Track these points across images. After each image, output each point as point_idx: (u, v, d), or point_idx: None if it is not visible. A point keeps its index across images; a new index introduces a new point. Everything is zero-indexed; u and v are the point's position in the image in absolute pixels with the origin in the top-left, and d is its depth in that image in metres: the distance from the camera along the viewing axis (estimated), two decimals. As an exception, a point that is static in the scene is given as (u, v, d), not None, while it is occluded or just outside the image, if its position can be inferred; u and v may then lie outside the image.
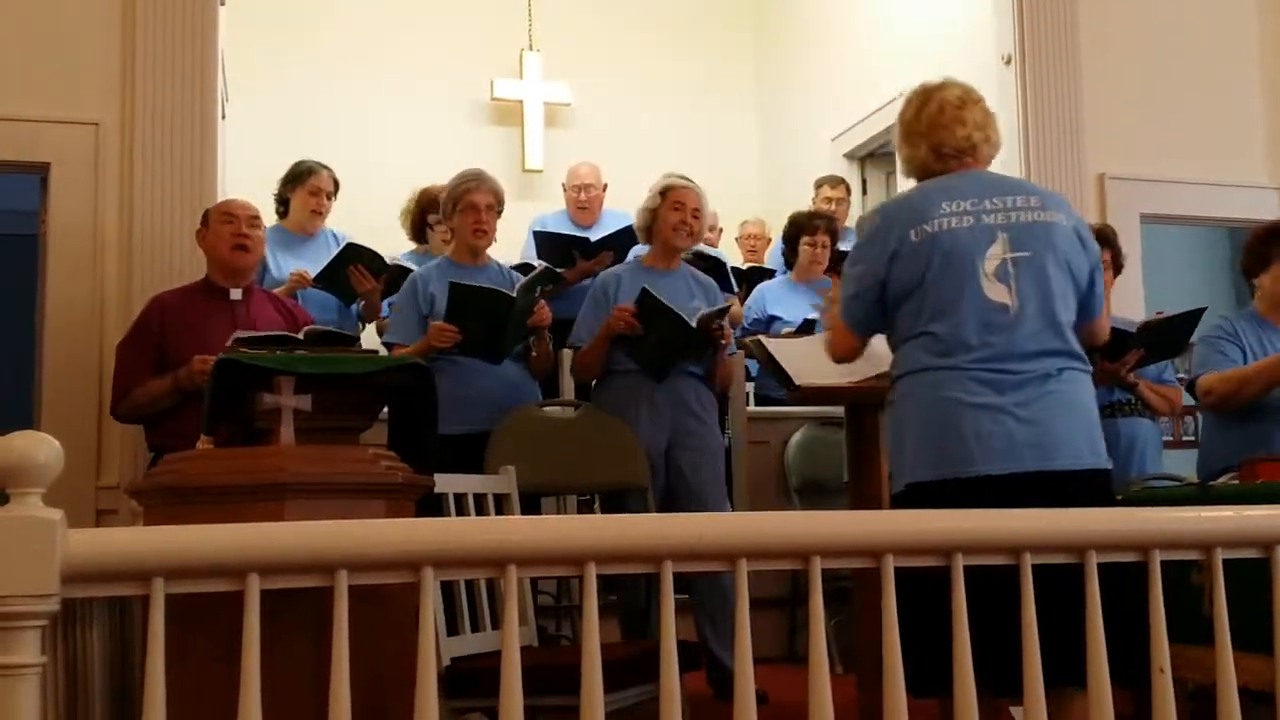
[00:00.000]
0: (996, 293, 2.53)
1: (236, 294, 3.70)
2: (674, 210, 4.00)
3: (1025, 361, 2.51)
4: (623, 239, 5.09)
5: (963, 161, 2.69)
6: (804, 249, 5.27)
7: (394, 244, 5.29)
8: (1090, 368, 2.64)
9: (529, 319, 3.92)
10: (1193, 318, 3.84)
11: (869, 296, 2.66)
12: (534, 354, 4.01)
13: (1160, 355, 3.94)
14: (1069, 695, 2.25)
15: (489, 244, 4.08)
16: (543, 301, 3.97)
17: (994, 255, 2.54)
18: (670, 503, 3.87)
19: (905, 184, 6.60)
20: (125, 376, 3.62)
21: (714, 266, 4.91)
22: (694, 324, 3.80)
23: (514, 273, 4.22)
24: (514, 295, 3.78)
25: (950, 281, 2.54)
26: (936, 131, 2.69)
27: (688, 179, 4.14)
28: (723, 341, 3.92)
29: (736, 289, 5.46)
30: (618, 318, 3.83)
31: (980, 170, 2.70)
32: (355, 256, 4.56)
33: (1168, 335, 3.88)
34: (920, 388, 2.57)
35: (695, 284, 4.08)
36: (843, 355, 2.83)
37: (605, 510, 4.09)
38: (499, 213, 4.10)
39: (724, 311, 3.97)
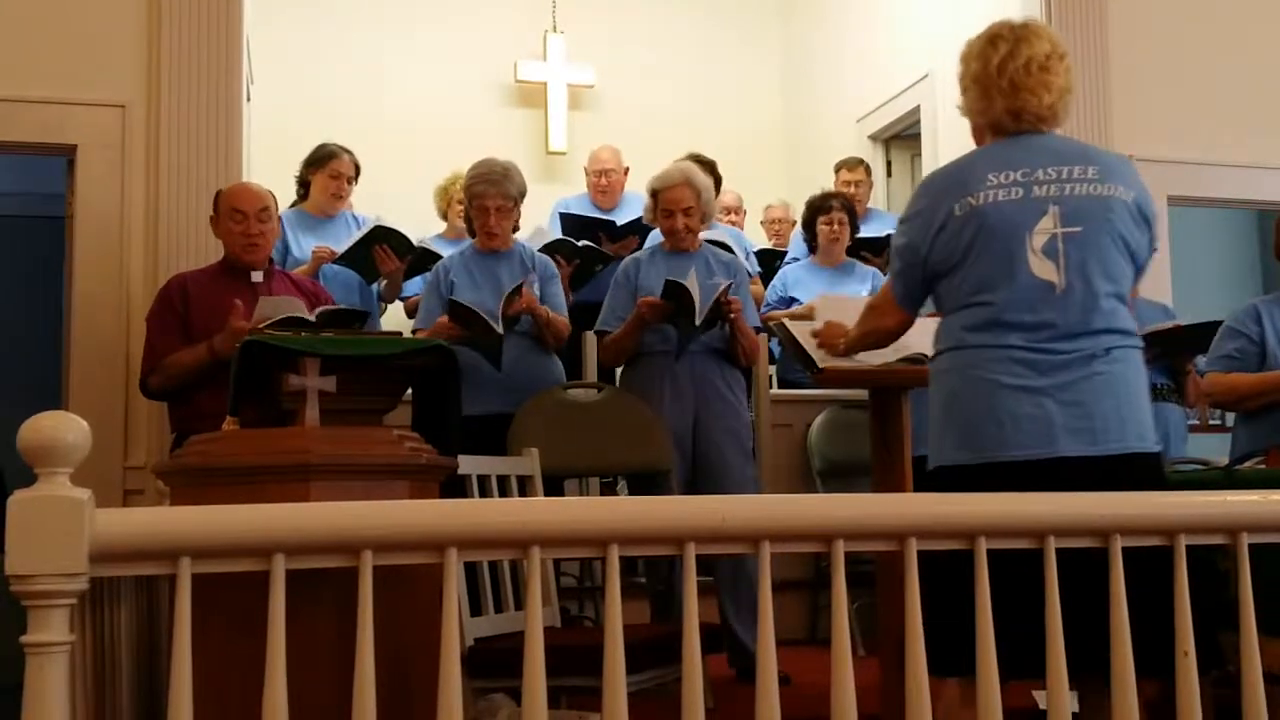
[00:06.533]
0: (1043, 270, 2.40)
1: (257, 275, 3.72)
2: (665, 217, 4.03)
3: (1071, 341, 2.39)
4: (647, 224, 5.09)
5: (1036, 127, 2.50)
6: (821, 229, 5.24)
7: (418, 225, 5.30)
8: (1141, 343, 2.52)
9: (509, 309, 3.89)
10: (1210, 329, 3.85)
11: (913, 272, 2.55)
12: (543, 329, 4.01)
13: (1178, 356, 3.96)
14: (1096, 683, 2.24)
15: (501, 243, 4.08)
16: (525, 290, 3.92)
17: (1043, 230, 2.41)
18: (695, 483, 3.87)
19: (931, 167, 6.57)
20: (156, 347, 3.62)
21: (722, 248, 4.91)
22: (700, 319, 3.80)
23: (539, 255, 4.23)
24: (501, 332, 3.81)
25: (995, 257, 2.42)
26: (1019, 94, 2.47)
27: (679, 169, 4.11)
28: (732, 315, 3.89)
29: (758, 270, 5.46)
30: (649, 309, 3.84)
31: (1042, 135, 2.52)
32: (383, 237, 4.59)
33: (1184, 341, 3.91)
34: (958, 366, 2.46)
35: (717, 263, 4.08)
36: (893, 328, 2.71)
37: (633, 494, 4.09)
38: (516, 207, 4.10)
39: (724, 288, 3.93)
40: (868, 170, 6.11)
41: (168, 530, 1.60)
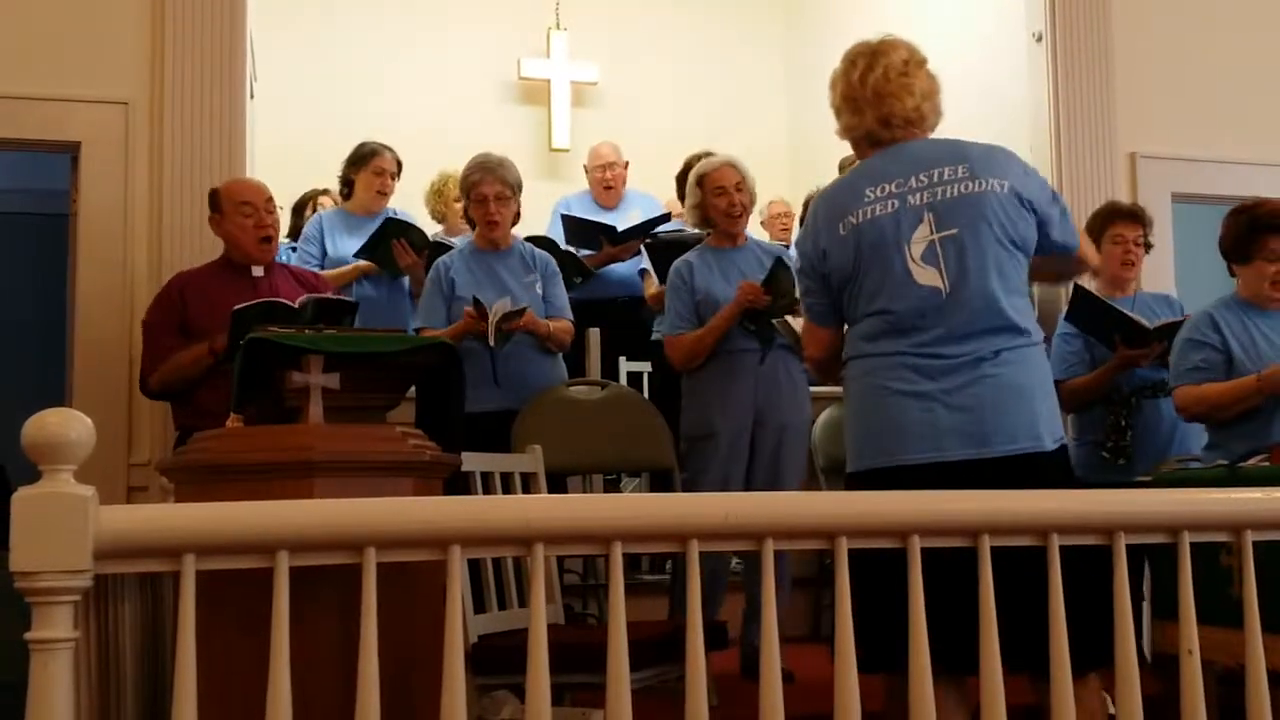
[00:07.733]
0: (926, 276, 2.43)
1: (258, 271, 3.71)
2: (718, 196, 3.96)
3: (959, 344, 2.41)
4: (649, 229, 5.08)
5: (909, 132, 2.56)
6: None
7: (422, 222, 5.30)
8: (1040, 340, 2.54)
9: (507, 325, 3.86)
10: None
11: (816, 289, 2.62)
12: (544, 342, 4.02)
13: None
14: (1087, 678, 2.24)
15: (503, 232, 4.07)
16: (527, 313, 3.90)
17: (920, 238, 2.45)
18: (753, 478, 3.84)
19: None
20: (155, 349, 3.62)
21: None
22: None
23: (539, 253, 4.22)
24: (493, 345, 3.78)
25: (880, 270, 2.47)
26: (884, 101, 2.55)
27: (718, 156, 4.12)
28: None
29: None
30: (749, 291, 3.77)
31: (915, 141, 2.57)
32: (397, 231, 4.59)
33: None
34: (859, 374, 2.52)
35: (766, 256, 4.03)
36: (817, 354, 2.73)
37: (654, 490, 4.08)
38: (515, 197, 4.09)
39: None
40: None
41: (172, 527, 1.61)
